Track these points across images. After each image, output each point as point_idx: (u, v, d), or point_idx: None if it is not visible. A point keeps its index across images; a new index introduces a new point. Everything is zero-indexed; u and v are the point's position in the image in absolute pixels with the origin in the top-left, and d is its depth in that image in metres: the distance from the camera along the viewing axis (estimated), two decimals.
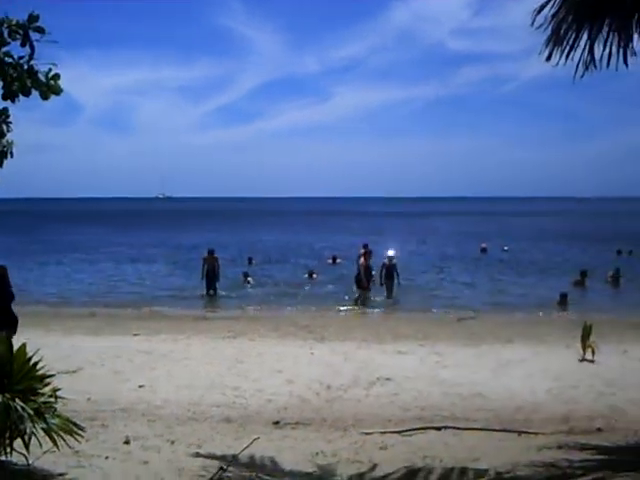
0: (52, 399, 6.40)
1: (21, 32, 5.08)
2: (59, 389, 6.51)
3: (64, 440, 6.26)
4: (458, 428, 8.71)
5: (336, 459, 7.41)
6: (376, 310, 21.73)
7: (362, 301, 22.40)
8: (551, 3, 7.36)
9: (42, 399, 6.34)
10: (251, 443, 7.85)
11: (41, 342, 12.30)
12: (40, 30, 5.06)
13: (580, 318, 15.94)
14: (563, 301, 22.07)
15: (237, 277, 28.07)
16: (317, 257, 38.02)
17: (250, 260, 34.14)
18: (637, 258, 35.58)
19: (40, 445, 6.23)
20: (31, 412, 6.07)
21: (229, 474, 6.77)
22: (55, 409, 6.36)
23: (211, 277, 24.68)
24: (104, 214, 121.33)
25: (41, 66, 5.23)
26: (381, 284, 23.63)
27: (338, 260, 34.97)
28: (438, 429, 8.69)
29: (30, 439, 6.09)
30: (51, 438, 6.18)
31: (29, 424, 6.03)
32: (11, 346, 6.49)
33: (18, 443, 6.16)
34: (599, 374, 11.76)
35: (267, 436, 8.32)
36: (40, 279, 29.92)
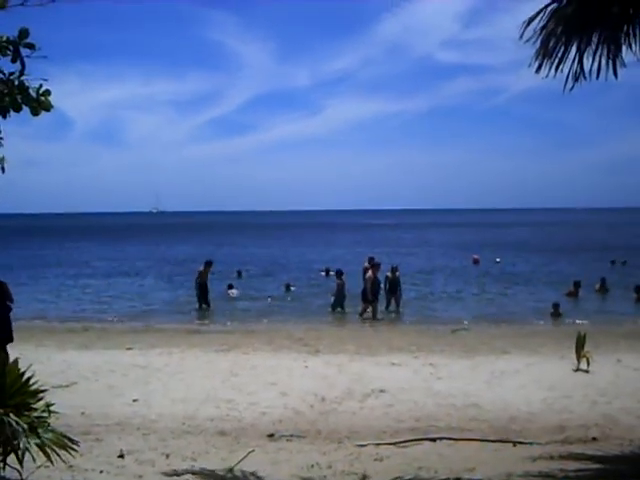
0: (46, 414, 6.37)
1: (11, 48, 5.09)
2: (53, 404, 6.48)
3: (58, 455, 6.23)
4: (453, 439, 8.71)
5: (331, 471, 7.39)
6: (377, 323, 21.62)
7: (372, 314, 22.10)
8: (540, 16, 7.42)
9: (36, 414, 6.31)
10: (246, 456, 7.83)
11: (34, 357, 12.34)
12: (30, 46, 5.08)
13: (574, 328, 15.99)
14: (556, 311, 22.10)
15: (224, 290, 28.18)
16: (309, 270, 38.01)
17: (239, 273, 34.12)
18: (631, 268, 35.65)
19: (34, 460, 6.20)
20: (25, 427, 6.05)
21: None
22: (49, 424, 6.33)
23: (204, 290, 24.67)
24: (96, 229, 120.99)
25: (32, 82, 5.24)
26: (385, 298, 23.29)
27: (331, 273, 34.97)
28: (433, 440, 8.69)
29: (24, 454, 6.06)
30: (45, 453, 6.15)
31: (23, 439, 6.00)
32: (3, 361, 6.47)
33: (12, 458, 6.13)
34: (593, 383, 11.79)
35: (262, 449, 8.30)
36: (31, 294, 29.74)
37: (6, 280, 12.27)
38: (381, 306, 22.96)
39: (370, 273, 22.50)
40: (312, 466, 7.56)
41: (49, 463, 6.22)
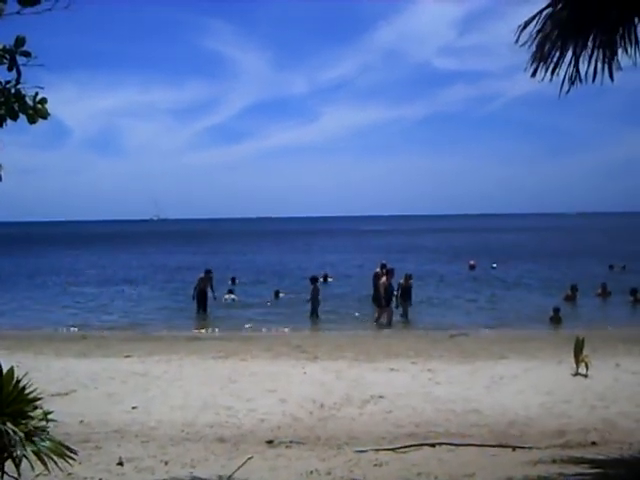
0: (44, 422, 6.35)
1: (8, 57, 5.09)
2: (51, 412, 6.46)
3: (56, 463, 6.21)
4: (452, 444, 8.69)
5: (330, 477, 7.38)
6: (387, 330, 21.55)
7: (387, 320, 22.05)
8: (535, 20, 7.43)
9: (33, 422, 6.28)
10: (245, 462, 7.82)
11: (32, 365, 12.33)
12: (27, 54, 5.08)
13: (572, 333, 15.98)
14: (556, 316, 22.01)
15: (220, 297, 28.17)
16: (304, 277, 37.99)
17: (233, 280, 34.09)
18: (630, 273, 35.62)
19: (32, 468, 6.17)
20: (21, 435, 6.02)
21: None
22: (47, 432, 6.30)
23: (202, 297, 24.70)
24: (94, 237, 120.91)
25: (28, 90, 5.25)
26: (397, 305, 23.04)
27: (329, 279, 35.04)
28: (432, 446, 8.67)
29: (21, 462, 6.04)
30: (42, 461, 6.12)
31: (20, 447, 5.98)
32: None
33: (10, 467, 6.11)
34: (592, 388, 11.78)
35: (261, 455, 8.28)
36: (29, 302, 29.74)
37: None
38: (396, 315, 22.80)
39: (384, 279, 22.33)
40: (311, 472, 7.54)
41: (47, 471, 6.21)
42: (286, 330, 21.08)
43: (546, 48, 7.44)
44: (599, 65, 7.42)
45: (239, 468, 7.58)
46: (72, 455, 6.41)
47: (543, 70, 7.51)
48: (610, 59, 7.40)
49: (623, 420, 9.79)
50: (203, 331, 21.75)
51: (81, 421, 9.77)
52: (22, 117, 5.32)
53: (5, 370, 6.47)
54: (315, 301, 23.61)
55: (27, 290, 34.21)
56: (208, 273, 25.15)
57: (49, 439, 6.28)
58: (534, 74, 7.54)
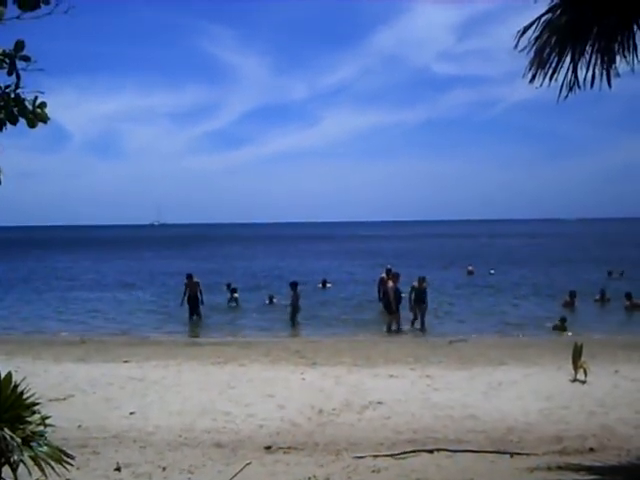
0: (41, 427, 6.33)
1: (7, 61, 5.10)
2: (49, 417, 6.45)
3: (53, 468, 6.20)
4: (450, 450, 8.68)
5: None
6: (404, 336, 21.43)
7: (396, 326, 21.89)
8: (534, 26, 7.45)
9: (31, 427, 6.27)
10: (243, 468, 7.81)
11: (31, 370, 12.34)
12: (26, 59, 5.09)
13: (571, 339, 15.97)
14: (562, 325, 21.47)
15: (216, 302, 28.15)
16: (303, 282, 37.94)
17: (229, 286, 34.07)
18: (629, 280, 35.61)
19: (30, 473, 6.16)
20: (19, 441, 6.01)
21: None
22: (44, 437, 6.29)
23: (193, 302, 24.70)
24: (93, 241, 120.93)
25: (28, 94, 5.25)
26: (411, 309, 22.69)
27: (328, 284, 35.09)
28: (430, 452, 8.66)
29: (18, 467, 6.03)
30: (39, 466, 6.11)
31: (17, 452, 5.96)
32: None
33: (7, 472, 6.10)
34: (591, 394, 11.76)
35: (259, 461, 8.26)
36: (28, 307, 29.74)
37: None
38: (408, 323, 22.68)
39: (391, 283, 22.16)
40: (309, 478, 7.53)
41: (45, 477, 6.20)
42: (285, 335, 21.07)
43: (545, 54, 7.46)
44: (597, 71, 7.44)
45: (237, 474, 7.57)
46: (70, 460, 6.41)
47: (542, 76, 7.53)
48: (608, 66, 7.42)
49: (621, 426, 9.77)
50: (200, 336, 21.74)
51: (79, 426, 9.76)
52: (22, 121, 5.33)
53: (3, 375, 6.47)
54: (295, 307, 23.61)
55: (26, 295, 34.11)
56: (190, 278, 25.12)
57: (47, 444, 6.27)
58: (532, 80, 7.56)
